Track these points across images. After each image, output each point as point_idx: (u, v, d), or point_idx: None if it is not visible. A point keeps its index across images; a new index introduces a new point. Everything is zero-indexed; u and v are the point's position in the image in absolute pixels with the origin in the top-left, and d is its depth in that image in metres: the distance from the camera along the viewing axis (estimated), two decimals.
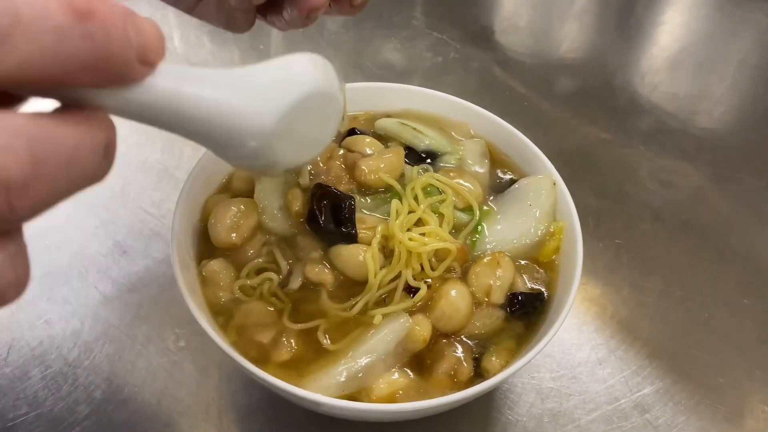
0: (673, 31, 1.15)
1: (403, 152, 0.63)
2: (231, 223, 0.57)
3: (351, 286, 0.57)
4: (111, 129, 0.28)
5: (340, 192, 0.58)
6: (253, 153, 0.35)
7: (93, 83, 0.27)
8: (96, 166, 0.27)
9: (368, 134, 0.66)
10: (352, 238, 0.56)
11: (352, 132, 0.66)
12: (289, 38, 1.05)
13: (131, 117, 0.30)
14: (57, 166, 0.25)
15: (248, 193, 0.61)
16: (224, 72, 0.33)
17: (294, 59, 0.36)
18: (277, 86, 0.35)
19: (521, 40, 1.11)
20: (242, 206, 0.59)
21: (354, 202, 0.57)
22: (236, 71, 0.34)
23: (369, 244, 0.55)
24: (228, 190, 0.64)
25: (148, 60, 0.28)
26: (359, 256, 0.55)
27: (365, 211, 0.59)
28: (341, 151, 0.62)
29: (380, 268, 0.55)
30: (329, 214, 0.57)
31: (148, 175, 0.83)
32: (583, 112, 0.97)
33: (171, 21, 1.07)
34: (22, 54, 0.23)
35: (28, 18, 0.23)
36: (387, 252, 0.57)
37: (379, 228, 0.56)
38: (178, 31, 1.07)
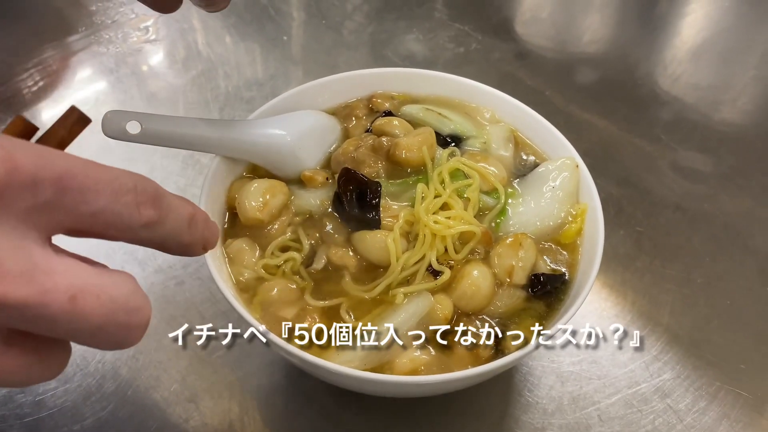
0: (696, 22, 1.15)
1: (433, 132, 0.64)
2: (259, 200, 0.59)
3: (373, 270, 0.58)
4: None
5: (366, 177, 0.59)
6: (287, 156, 0.63)
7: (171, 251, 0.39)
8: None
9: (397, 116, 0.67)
10: (375, 224, 0.57)
11: (385, 113, 0.68)
12: (311, 31, 1.06)
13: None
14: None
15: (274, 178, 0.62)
16: (273, 118, 0.65)
17: (306, 111, 0.67)
18: (296, 121, 0.64)
19: (543, 31, 1.11)
20: (270, 185, 0.60)
21: (380, 187, 0.58)
22: (281, 117, 0.65)
23: (392, 230, 0.56)
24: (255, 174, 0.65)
25: (207, 247, 0.42)
26: (382, 242, 0.56)
27: (389, 200, 0.59)
28: (370, 140, 0.63)
29: (402, 253, 0.56)
30: (354, 199, 0.58)
31: (174, 160, 0.84)
32: (604, 102, 0.97)
33: (194, 15, 1.08)
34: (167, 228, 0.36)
35: (174, 214, 0.37)
36: (410, 238, 0.58)
37: (402, 213, 0.57)
38: (200, 24, 1.08)
